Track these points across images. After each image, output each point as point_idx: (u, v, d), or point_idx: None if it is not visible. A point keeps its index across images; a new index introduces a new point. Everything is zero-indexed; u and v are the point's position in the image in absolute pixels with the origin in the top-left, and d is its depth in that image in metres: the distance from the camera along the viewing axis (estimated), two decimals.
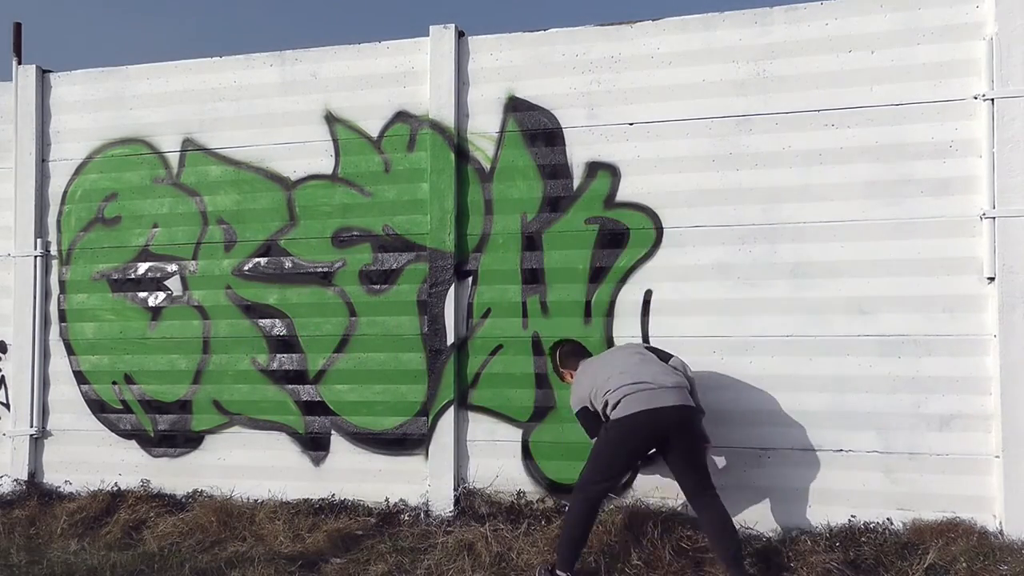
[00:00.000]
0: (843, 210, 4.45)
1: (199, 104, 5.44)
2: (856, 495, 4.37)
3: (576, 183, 4.83)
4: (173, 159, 5.49)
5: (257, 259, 5.31)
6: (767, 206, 4.55)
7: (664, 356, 4.18)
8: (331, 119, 5.23)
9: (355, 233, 5.16)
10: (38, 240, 5.67)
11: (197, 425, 5.38)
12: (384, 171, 5.14)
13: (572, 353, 4.51)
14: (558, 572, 3.85)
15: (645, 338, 4.67)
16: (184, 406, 5.40)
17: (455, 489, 4.87)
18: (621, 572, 4.00)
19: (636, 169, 4.74)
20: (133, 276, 5.53)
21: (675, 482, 4.53)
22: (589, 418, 4.11)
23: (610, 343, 4.72)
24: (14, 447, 5.63)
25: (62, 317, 5.65)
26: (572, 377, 4.37)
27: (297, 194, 5.26)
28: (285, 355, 5.25)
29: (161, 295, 5.48)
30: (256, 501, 5.10)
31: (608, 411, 3.95)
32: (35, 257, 5.66)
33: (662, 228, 4.69)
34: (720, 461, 4.54)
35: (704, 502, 3.85)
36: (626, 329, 4.72)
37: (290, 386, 5.23)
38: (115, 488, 5.37)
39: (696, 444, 3.92)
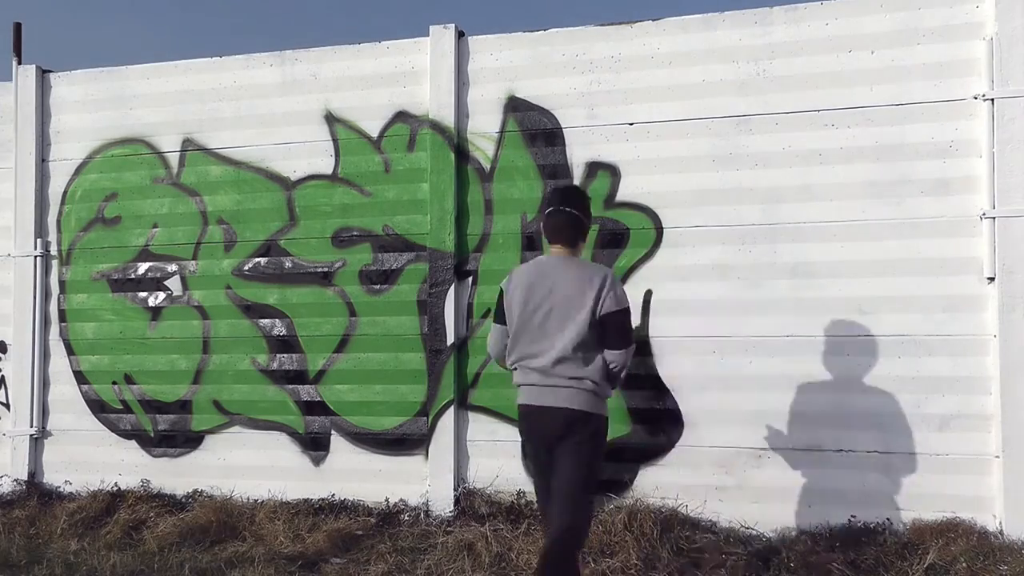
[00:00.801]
0: (843, 210, 4.45)
1: (199, 104, 5.44)
2: (856, 495, 4.36)
3: (576, 183, 4.82)
4: (173, 159, 5.49)
5: (257, 259, 5.31)
6: (767, 206, 4.54)
7: (612, 341, 3.21)
8: (331, 119, 5.23)
9: (355, 233, 5.16)
10: (38, 240, 5.67)
11: (197, 425, 5.38)
12: (384, 171, 5.14)
13: (555, 230, 3.36)
14: None
15: (646, 339, 4.67)
16: (184, 406, 5.40)
17: (455, 489, 4.87)
18: (621, 572, 3.99)
19: (636, 169, 4.73)
20: (133, 276, 5.53)
21: (677, 481, 4.56)
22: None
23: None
24: (14, 447, 5.64)
25: (62, 317, 5.65)
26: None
27: (297, 194, 5.27)
28: (285, 355, 5.25)
29: (161, 295, 5.48)
30: (256, 501, 5.10)
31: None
32: (35, 257, 5.66)
33: (662, 228, 4.69)
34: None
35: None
36: None
37: (290, 386, 5.23)
38: (115, 488, 5.36)
39: (574, 459, 3.18)
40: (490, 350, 3.55)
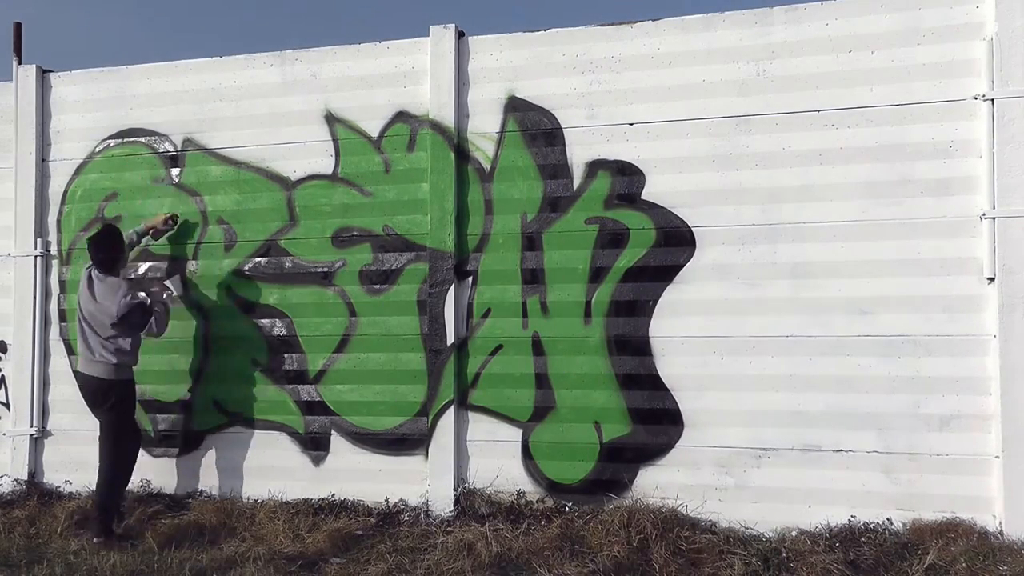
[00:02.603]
0: (843, 210, 4.45)
1: (199, 104, 5.44)
2: (856, 495, 4.37)
3: (576, 183, 4.83)
4: (173, 159, 5.49)
5: (257, 259, 5.31)
6: (767, 206, 4.55)
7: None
8: (331, 119, 5.23)
9: (355, 233, 5.16)
10: (38, 240, 5.67)
11: (197, 425, 5.38)
12: (384, 171, 5.14)
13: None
14: None
15: (646, 339, 4.67)
16: (184, 406, 5.40)
17: (455, 489, 4.87)
18: (619, 571, 4.00)
19: (636, 169, 4.73)
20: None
21: (677, 481, 4.57)
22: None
23: (610, 343, 4.72)
24: (14, 447, 5.64)
25: (62, 317, 5.65)
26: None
27: (297, 194, 5.27)
28: (285, 355, 5.24)
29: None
30: (256, 501, 5.10)
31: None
32: (35, 257, 5.66)
33: (662, 228, 4.69)
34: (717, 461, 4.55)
35: None
36: None
37: (290, 386, 5.23)
38: None
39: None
40: None
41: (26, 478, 5.59)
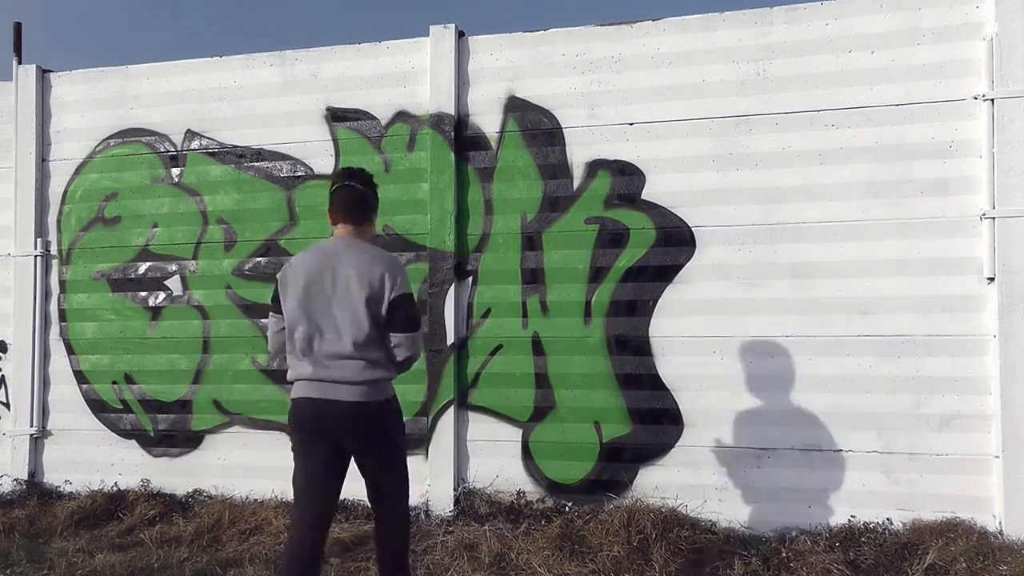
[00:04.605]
0: (843, 210, 4.45)
1: (199, 104, 5.44)
2: (856, 495, 4.37)
3: (576, 183, 4.83)
4: (173, 159, 5.50)
5: (257, 259, 5.31)
6: (767, 206, 4.55)
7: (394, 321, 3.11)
8: (331, 119, 5.23)
9: None
10: (38, 240, 5.67)
11: (197, 425, 5.38)
12: (384, 171, 5.14)
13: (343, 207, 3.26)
14: None
15: (646, 339, 4.67)
16: (184, 406, 5.40)
17: (455, 489, 4.87)
18: (619, 571, 3.99)
19: (636, 169, 4.73)
20: (133, 276, 5.53)
21: (677, 481, 4.56)
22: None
23: (610, 343, 4.72)
24: (14, 447, 5.64)
25: (62, 317, 5.65)
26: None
27: (297, 194, 5.27)
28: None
29: (161, 295, 5.48)
30: (256, 501, 5.10)
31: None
32: (35, 257, 5.66)
33: (662, 228, 4.69)
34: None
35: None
36: None
37: (290, 386, 5.22)
38: (115, 488, 5.37)
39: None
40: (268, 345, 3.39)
41: (26, 478, 5.59)
